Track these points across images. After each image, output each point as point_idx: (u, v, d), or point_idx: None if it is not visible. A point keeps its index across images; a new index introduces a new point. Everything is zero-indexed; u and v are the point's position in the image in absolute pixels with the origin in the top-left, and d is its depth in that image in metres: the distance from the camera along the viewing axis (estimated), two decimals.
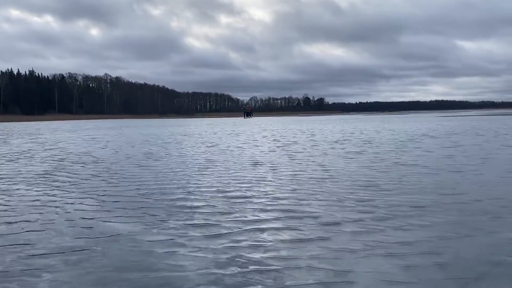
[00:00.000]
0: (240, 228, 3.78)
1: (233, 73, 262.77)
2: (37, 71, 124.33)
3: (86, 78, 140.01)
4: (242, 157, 9.68)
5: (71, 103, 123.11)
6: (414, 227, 3.72)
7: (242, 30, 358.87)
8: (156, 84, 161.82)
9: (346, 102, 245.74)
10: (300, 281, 2.65)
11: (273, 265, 2.91)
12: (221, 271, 2.82)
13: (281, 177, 6.57)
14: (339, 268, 2.84)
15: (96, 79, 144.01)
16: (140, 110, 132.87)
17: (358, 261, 2.96)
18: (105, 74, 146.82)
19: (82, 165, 8.64)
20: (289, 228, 3.77)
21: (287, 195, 5.21)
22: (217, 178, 6.59)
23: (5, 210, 4.64)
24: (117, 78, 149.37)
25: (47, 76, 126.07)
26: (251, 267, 2.88)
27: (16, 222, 4.14)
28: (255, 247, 3.28)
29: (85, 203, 4.95)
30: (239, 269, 2.85)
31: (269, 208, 4.54)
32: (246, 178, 6.57)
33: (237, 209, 4.49)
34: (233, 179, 6.45)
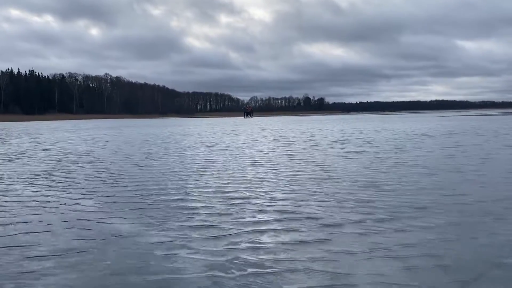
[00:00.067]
0: (239, 230, 3.75)
1: (233, 73, 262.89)
2: (37, 71, 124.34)
3: (87, 78, 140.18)
4: (242, 157, 9.64)
5: (71, 103, 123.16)
6: (414, 229, 3.69)
7: (242, 29, 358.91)
8: (157, 84, 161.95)
9: (346, 102, 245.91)
10: (300, 284, 2.61)
11: (272, 268, 2.87)
12: (220, 274, 2.78)
13: (280, 178, 6.53)
14: (339, 271, 2.80)
15: (97, 78, 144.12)
16: (141, 110, 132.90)
17: (358, 263, 2.92)
18: (105, 74, 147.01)
19: (81, 165, 8.60)
20: (288, 230, 3.73)
21: (286, 195, 5.17)
22: (216, 178, 6.55)
23: (1, 211, 4.60)
24: (117, 78, 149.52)
25: (47, 76, 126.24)
26: (250, 270, 2.84)
27: (12, 223, 4.10)
28: (254, 249, 3.24)
29: (83, 203, 4.92)
30: (238, 272, 2.81)
31: (268, 209, 4.50)
32: (246, 178, 6.54)
33: (236, 210, 4.46)
34: (233, 179, 6.42)
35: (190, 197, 5.17)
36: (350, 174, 6.78)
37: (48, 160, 9.68)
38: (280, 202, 4.80)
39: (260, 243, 3.39)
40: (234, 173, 7.13)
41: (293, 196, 5.14)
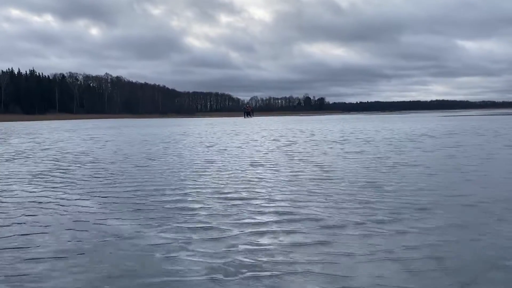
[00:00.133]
0: (238, 231, 3.70)
1: (234, 72, 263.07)
2: (38, 71, 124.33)
3: (87, 77, 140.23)
4: (241, 157, 9.60)
5: (71, 103, 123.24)
6: (415, 230, 3.64)
7: (242, 29, 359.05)
8: (157, 84, 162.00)
9: (346, 102, 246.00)
10: (299, 287, 2.57)
11: (271, 270, 2.83)
12: (219, 276, 2.74)
13: (280, 178, 6.49)
14: (339, 273, 2.76)
15: (97, 78, 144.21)
16: (141, 109, 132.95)
17: (359, 266, 2.88)
18: (106, 73, 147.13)
19: (79, 165, 8.56)
20: (288, 231, 3.69)
21: (286, 196, 5.13)
22: (215, 179, 6.51)
23: None
24: (117, 77, 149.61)
25: (48, 75, 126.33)
26: (250, 272, 2.80)
27: (8, 225, 4.06)
28: (253, 251, 3.20)
29: (81, 204, 4.88)
30: (237, 274, 2.77)
31: (267, 210, 4.46)
32: (245, 178, 6.50)
33: (235, 211, 4.42)
34: (232, 180, 6.38)
35: (189, 198, 5.13)
36: (350, 174, 6.74)
37: (47, 160, 9.65)
38: (280, 203, 4.76)
39: (259, 245, 3.34)
40: (233, 173, 7.09)
41: (292, 197, 5.10)
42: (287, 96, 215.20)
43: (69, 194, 5.51)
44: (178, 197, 5.18)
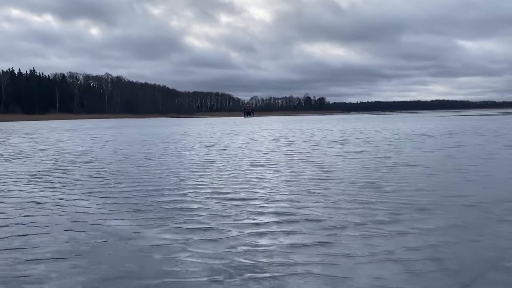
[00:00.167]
0: (238, 232, 3.68)
1: (234, 72, 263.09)
2: (38, 71, 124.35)
3: (87, 77, 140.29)
4: (241, 157, 9.58)
5: (72, 103, 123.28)
6: (416, 231, 3.62)
7: (242, 29, 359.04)
8: (157, 84, 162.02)
9: (347, 102, 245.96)
10: None
11: (271, 271, 2.81)
12: (218, 277, 2.72)
13: (280, 178, 6.47)
14: (339, 274, 2.74)
15: (97, 78, 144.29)
16: (141, 109, 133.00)
17: (359, 267, 2.86)
18: (106, 73, 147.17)
19: (78, 165, 8.54)
20: (287, 232, 3.67)
21: (286, 197, 5.11)
22: (215, 179, 6.49)
23: None
24: (118, 77, 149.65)
25: (48, 75, 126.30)
26: (249, 273, 2.78)
27: (6, 226, 4.03)
28: (253, 252, 3.17)
29: (79, 204, 4.85)
30: (237, 275, 2.75)
31: (267, 210, 4.44)
32: (245, 179, 6.47)
33: (234, 212, 4.40)
34: (231, 180, 6.35)
35: (188, 198, 5.11)
36: (350, 174, 6.72)
37: (46, 160, 9.62)
38: (279, 204, 4.74)
39: (259, 245, 3.32)
40: (233, 173, 7.07)
41: (292, 197, 5.08)
42: (287, 96, 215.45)
43: (67, 194, 5.49)
44: (177, 198, 5.16)
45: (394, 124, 29.88)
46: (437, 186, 5.60)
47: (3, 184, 6.41)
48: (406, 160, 8.38)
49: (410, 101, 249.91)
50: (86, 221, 4.12)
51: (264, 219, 4.11)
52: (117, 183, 6.25)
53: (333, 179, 6.28)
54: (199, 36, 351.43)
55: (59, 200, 5.10)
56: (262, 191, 5.49)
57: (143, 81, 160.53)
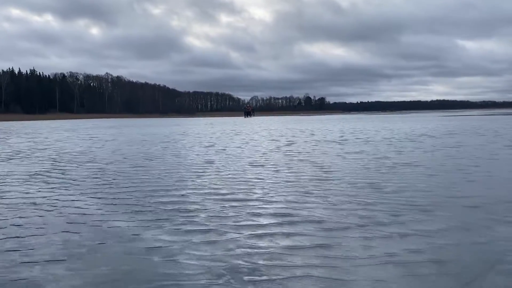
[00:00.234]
0: (237, 234, 3.64)
1: (234, 72, 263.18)
2: (38, 70, 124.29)
3: (87, 77, 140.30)
4: (241, 157, 9.53)
5: (72, 102, 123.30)
6: (417, 232, 3.57)
7: (242, 29, 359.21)
8: (157, 84, 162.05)
9: (347, 102, 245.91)
10: None
11: (270, 273, 2.76)
12: (217, 279, 2.68)
13: (279, 178, 6.42)
14: (339, 277, 2.70)
15: (97, 78, 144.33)
16: (141, 109, 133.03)
17: (359, 270, 2.81)
18: (106, 73, 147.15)
19: (76, 165, 8.50)
20: (287, 234, 3.63)
21: (285, 197, 5.06)
22: (214, 179, 6.44)
23: None
24: (118, 77, 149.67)
25: (48, 75, 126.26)
26: (248, 276, 2.73)
27: (2, 227, 3.99)
28: (252, 255, 3.13)
29: (76, 205, 4.80)
30: (236, 278, 2.71)
31: (267, 212, 4.39)
32: (244, 179, 6.43)
33: (234, 213, 4.35)
34: (231, 180, 6.31)
35: (187, 199, 5.07)
36: (350, 175, 6.67)
37: (44, 160, 9.58)
38: (279, 205, 4.69)
39: (258, 247, 3.28)
40: (232, 174, 7.02)
41: (292, 198, 5.04)
42: (288, 96, 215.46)
43: (64, 195, 5.44)
44: (176, 198, 5.11)
45: (394, 124, 29.84)
46: (437, 187, 5.56)
47: (1, 184, 6.36)
48: (406, 160, 8.33)
49: (411, 101, 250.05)
50: (83, 223, 4.07)
51: (263, 220, 4.06)
52: (115, 184, 6.21)
53: (333, 180, 6.24)
54: (199, 36, 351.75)
55: (55, 201, 5.05)
56: (262, 191, 5.45)
57: (143, 81, 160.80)
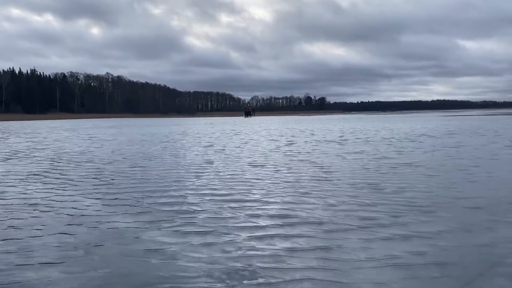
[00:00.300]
0: (235, 236, 3.60)
1: (234, 72, 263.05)
2: (38, 70, 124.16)
3: (88, 77, 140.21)
4: (240, 157, 9.50)
5: (72, 102, 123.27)
6: (419, 234, 3.53)
7: (243, 29, 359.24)
8: (158, 83, 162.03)
9: (347, 102, 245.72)
10: None
11: (268, 276, 2.72)
12: (216, 282, 2.64)
13: (279, 179, 6.38)
14: (339, 280, 2.66)
15: (98, 78, 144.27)
16: (142, 109, 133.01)
17: (359, 272, 2.77)
18: (107, 73, 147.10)
19: (75, 165, 8.46)
20: (286, 236, 3.58)
21: (284, 198, 5.02)
22: (213, 180, 6.40)
23: None
24: (118, 77, 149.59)
25: (49, 75, 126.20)
26: (246, 280, 2.69)
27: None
28: (250, 257, 3.09)
29: (73, 206, 4.76)
30: (235, 280, 2.67)
31: (265, 213, 4.35)
32: (243, 179, 6.39)
33: (233, 214, 4.31)
34: (230, 181, 6.27)
35: (185, 200, 5.02)
36: (350, 175, 6.63)
37: (42, 160, 9.54)
38: (278, 206, 4.65)
39: (257, 249, 3.24)
40: (231, 174, 6.98)
41: (291, 199, 4.99)
42: (288, 96, 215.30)
43: (62, 196, 5.40)
44: (174, 199, 5.07)
45: (394, 124, 29.81)
46: (437, 187, 5.51)
47: None
48: (406, 161, 8.29)
49: (411, 101, 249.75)
50: (81, 224, 4.03)
51: (262, 222, 4.02)
52: (114, 184, 6.17)
53: (332, 180, 6.20)
54: (200, 36, 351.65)
55: (52, 202, 5.01)
56: (261, 192, 5.40)
57: (143, 81, 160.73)
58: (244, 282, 2.65)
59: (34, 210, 4.62)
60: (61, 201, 5.04)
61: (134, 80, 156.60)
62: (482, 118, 40.01)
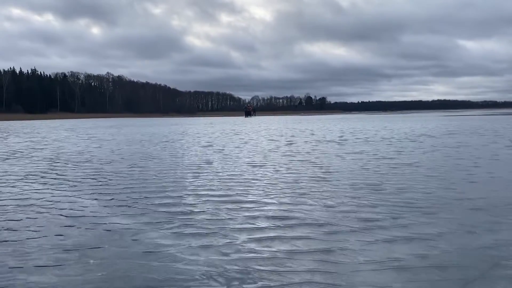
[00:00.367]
0: (233, 237, 3.56)
1: (235, 72, 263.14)
2: (39, 70, 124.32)
3: (88, 77, 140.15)
4: (240, 157, 9.46)
5: (73, 102, 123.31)
6: (420, 236, 3.49)
7: (243, 29, 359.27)
8: (158, 83, 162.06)
9: (348, 102, 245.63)
10: None
11: (267, 279, 2.69)
12: (213, 286, 2.60)
13: (279, 179, 6.34)
14: (339, 283, 2.62)
15: (98, 78, 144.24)
16: (142, 109, 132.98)
17: (360, 275, 2.73)
18: (107, 73, 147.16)
19: (73, 165, 8.42)
20: (285, 237, 3.54)
21: (284, 199, 4.98)
22: (212, 180, 6.36)
23: None
24: (119, 77, 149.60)
25: (49, 75, 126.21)
26: (244, 282, 2.66)
27: None
28: (249, 259, 3.05)
29: (71, 207, 4.72)
30: (231, 283, 2.63)
31: (264, 214, 4.31)
32: (243, 180, 6.35)
33: (230, 216, 4.27)
34: (229, 181, 6.23)
35: (184, 201, 4.99)
36: (350, 175, 6.59)
37: (40, 160, 9.50)
38: (277, 207, 4.61)
39: (255, 252, 3.20)
40: (230, 174, 6.94)
41: (291, 200, 4.95)
42: (289, 95, 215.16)
43: (59, 196, 5.36)
44: (173, 200, 5.03)
45: (394, 124, 29.77)
46: (438, 188, 5.47)
47: None
48: (406, 161, 8.25)
49: (412, 101, 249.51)
50: (78, 225, 3.99)
51: (261, 223, 3.98)
52: (112, 185, 6.13)
53: (332, 181, 6.16)
54: (200, 36, 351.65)
55: (49, 202, 4.97)
56: (260, 193, 5.36)
57: (144, 81, 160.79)
58: (244, 286, 2.61)
59: (30, 210, 4.58)
60: (58, 202, 5.00)
61: (135, 80, 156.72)
62: (482, 118, 39.96)
